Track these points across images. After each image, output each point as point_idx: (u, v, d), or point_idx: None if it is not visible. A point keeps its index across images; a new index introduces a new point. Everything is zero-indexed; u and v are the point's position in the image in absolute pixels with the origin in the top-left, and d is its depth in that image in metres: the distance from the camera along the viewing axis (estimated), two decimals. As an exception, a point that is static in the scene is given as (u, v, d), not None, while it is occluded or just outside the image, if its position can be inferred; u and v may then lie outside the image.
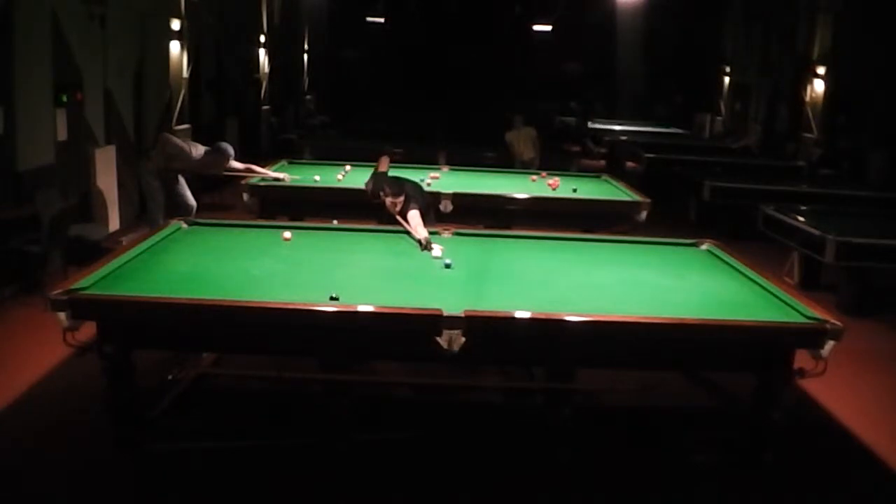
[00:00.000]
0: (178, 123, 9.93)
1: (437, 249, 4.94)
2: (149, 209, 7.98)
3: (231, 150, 7.67)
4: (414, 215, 5.40)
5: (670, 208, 10.24)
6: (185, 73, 10.21)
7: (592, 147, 17.11)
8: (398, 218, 5.54)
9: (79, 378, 4.73)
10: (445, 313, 3.71)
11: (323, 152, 10.75)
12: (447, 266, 4.65)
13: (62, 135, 7.47)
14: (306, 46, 19.98)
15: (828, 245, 6.71)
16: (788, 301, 4.22)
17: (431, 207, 6.06)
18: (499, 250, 5.21)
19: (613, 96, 23.22)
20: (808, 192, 9.63)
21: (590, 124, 18.77)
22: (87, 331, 3.86)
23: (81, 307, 3.72)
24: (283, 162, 8.43)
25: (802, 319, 3.99)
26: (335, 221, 6.43)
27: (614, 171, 11.55)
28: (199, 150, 7.81)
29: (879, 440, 4.74)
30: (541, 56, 23.60)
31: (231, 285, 4.12)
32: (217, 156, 7.65)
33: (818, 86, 12.85)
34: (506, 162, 10.57)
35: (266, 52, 15.52)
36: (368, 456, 4.23)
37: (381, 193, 5.68)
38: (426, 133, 14.60)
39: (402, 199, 5.56)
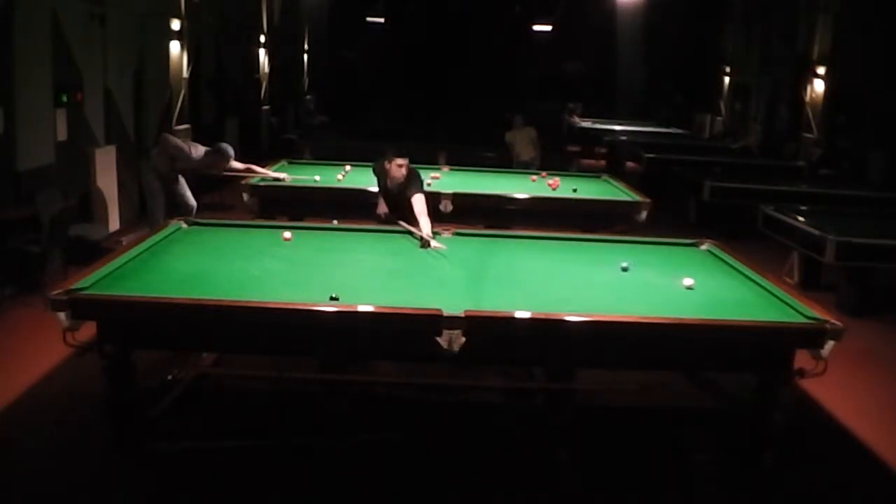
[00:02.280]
0: (178, 123, 9.93)
1: (434, 244, 4.96)
2: (149, 209, 7.98)
3: (231, 151, 7.66)
4: (420, 199, 5.41)
5: (670, 208, 10.24)
6: (185, 73, 10.21)
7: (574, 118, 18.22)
8: (404, 225, 5.52)
9: (79, 378, 4.72)
10: (445, 313, 3.71)
11: (323, 152, 10.74)
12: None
13: (62, 135, 7.48)
14: (306, 46, 19.98)
15: (828, 245, 6.71)
16: (788, 301, 4.22)
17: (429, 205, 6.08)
18: (499, 250, 5.21)
19: (613, 96, 23.22)
20: (808, 192, 9.62)
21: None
22: (87, 331, 3.86)
23: (81, 307, 3.72)
24: (283, 162, 8.43)
25: (802, 319, 3.99)
26: (335, 221, 6.43)
27: (614, 171, 11.55)
28: (199, 150, 7.81)
29: (879, 440, 4.74)
30: (541, 56, 23.61)
31: (231, 285, 4.12)
32: (217, 156, 7.65)
33: (818, 86, 12.84)
34: (506, 162, 10.57)
35: (266, 52, 15.52)
36: (368, 456, 4.23)
37: (385, 163, 5.66)
38: (426, 133, 14.60)
39: (407, 161, 5.58)
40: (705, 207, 10.05)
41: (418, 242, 5.15)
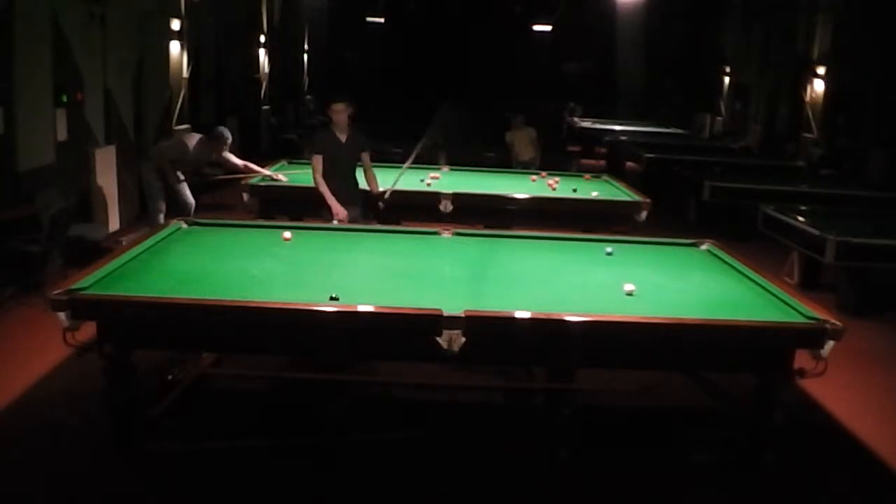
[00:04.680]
0: (178, 123, 9.93)
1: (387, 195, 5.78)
2: (149, 209, 7.97)
3: (228, 134, 7.63)
4: (367, 157, 6.13)
5: (670, 208, 10.23)
6: (185, 73, 10.21)
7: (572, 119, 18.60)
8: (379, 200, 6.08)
9: (79, 378, 4.72)
10: (445, 313, 3.71)
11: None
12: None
13: (62, 135, 7.47)
14: (306, 46, 19.97)
15: (828, 245, 6.71)
16: (788, 301, 4.22)
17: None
18: (499, 250, 5.21)
19: (613, 96, 23.22)
20: (808, 192, 9.62)
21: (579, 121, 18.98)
22: (87, 331, 3.86)
23: (81, 307, 3.72)
24: (283, 162, 8.42)
25: (802, 319, 3.99)
26: (335, 221, 6.43)
27: (614, 171, 11.55)
28: (193, 140, 7.77)
29: (879, 440, 4.73)
30: (541, 56, 23.60)
31: (231, 285, 4.12)
32: (214, 141, 7.62)
33: (818, 86, 12.85)
34: (506, 162, 10.57)
35: (266, 52, 15.52)
36: (368, 456, 4.23)
37: (330, 111, 6.02)
38: (426, 133, 14.57)
39: (345, 106, 5.98)
40: (705, 207, 10.05)
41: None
